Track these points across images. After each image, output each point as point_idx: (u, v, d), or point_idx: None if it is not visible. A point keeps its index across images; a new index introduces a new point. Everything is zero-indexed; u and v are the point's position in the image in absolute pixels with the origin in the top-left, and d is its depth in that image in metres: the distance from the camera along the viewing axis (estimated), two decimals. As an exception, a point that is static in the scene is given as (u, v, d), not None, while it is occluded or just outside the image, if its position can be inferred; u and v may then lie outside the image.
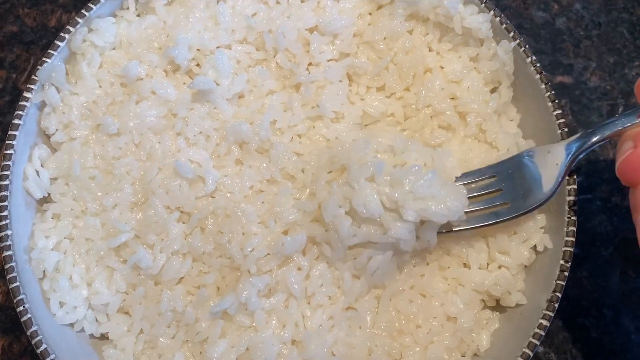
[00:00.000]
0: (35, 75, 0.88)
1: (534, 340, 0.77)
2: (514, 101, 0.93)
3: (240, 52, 0.93)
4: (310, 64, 0.93)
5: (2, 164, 0.84)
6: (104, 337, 0.85)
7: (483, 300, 0.86)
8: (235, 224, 0.83)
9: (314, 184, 0.85)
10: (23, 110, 0.87)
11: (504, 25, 0.91)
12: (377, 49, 0.93)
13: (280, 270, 0.82)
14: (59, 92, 0.89)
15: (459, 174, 0.85)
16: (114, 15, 0.95)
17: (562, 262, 0.80)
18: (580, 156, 0.79)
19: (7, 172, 0.84)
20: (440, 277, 0.85)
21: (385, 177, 0.79)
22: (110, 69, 0.92)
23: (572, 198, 0.82)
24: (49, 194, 0.88)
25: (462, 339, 0.83)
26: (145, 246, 0.84)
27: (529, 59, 0.89)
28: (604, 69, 1.10)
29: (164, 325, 0.83)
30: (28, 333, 0.78)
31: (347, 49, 0.94)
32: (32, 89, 0.88)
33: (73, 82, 0.91)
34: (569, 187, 0.83)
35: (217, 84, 0.90)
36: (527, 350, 0.77)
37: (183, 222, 0.86)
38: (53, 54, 0.90)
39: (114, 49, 0.94)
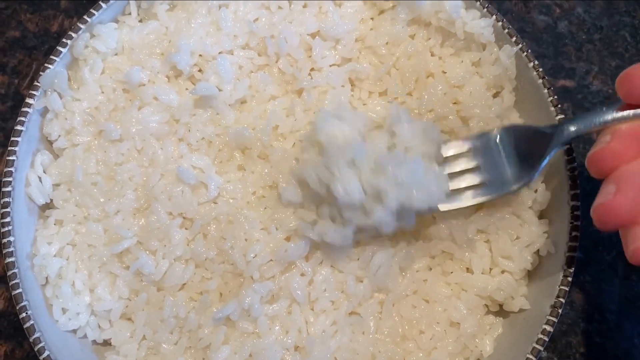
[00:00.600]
0: (37, 81, 0.88)
1: (537, 346, 0.77)
2: (517, 106, 0.93)
3: (243, 57, 0.93)
4: (312, 69, 0.93)
5: (4, 170, 0.84)
6: (106, 343, 0.85)
7: (486, 306, 0.86)
8: (238, 230, 0.83)
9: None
10: (25, 117, 0.87)
11: (506, 30, 0.90)
12: (379, 54, 0.93)
13: (284, 276, 0.82)
14: (61, 98, 0.89)
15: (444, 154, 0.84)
16: (116, 21, 0.95)
17: (565, 267, 0.80)
18: (570, 138, 0.77)
19: (10, 178, 0.84)
20: (443, 283, 0.85)
21: (366, 162, 0.78)
22: (112, 75, 0.92)
23: (574, 203, 0.82)
24: (51, 200, 0.88)
25: (466, 345, 0.83)
26: (147, 252, 0.84)
27: (532, 63, 0.89)
28: (606, 72, 1.09)
29: (167, 331, 0.82)
30: (31, 340, 0.78)
31: (349, 54, 0.94)
32: (35, 95, 0.88)
33: (75, 88, 0.91)
34: (571, 192, 0.83)
35: (220, 90, 0.90)
36: (530, 356, 0.77)
37: (185, 228, 0.86)
38: (55, 60, 0.90)
39: (116, 54, 0.94)
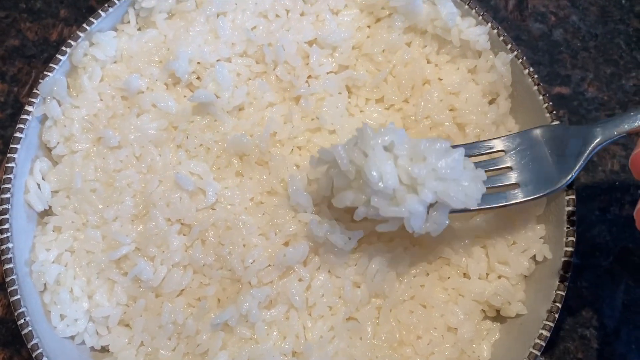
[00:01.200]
0: (36, 89, 0.89)
1: (534, 351, 0.78)
2: (512, 112, 0.94)
3: (240, 65, 0.94)
4: (309, 77, 0.94)
5: (4, 177, 0.85)
6: (104, 349, 0.85)
7: (483, 311, 0.86)
8: (236, 235, 0.83)
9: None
10: (24, 124, 0.88)
11: (502, 37, 0.91)
12: (376, 61, 0.94)
13: (281, 282, 0.83)
14: (60, 105, 0.90)
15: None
16: (115, 29, 0.97)
17: (561, 272, 0.81)
18: (606, 143, 0.75)
19: (9, 185, 0.85)
20: (440, 288, 0.85)
21: (405, 147, 0.73)
22: (111, 83, 0.93)
23: (570, 208, 0.83)
24: (50, 206, 0.88)
25: (463, 350, 0.83)
26: (146, 258, 0.85)
27: (527, 70, 0.90)
28: (601, 79, 1.10)
29: (165, 337, 0.83)
30: (29, 346, 0.78)
31: (346, 62, 0.95)
32: (34, 102, 0.89)
33: (74, 96, 0.92)
34: (567, 198, 0.83)
35: (218, 97, 0.91)
36: (527, 361, 0.77)
37: (184, 235, 0.86)
38: (54, 68, 0.91)
39: (115, 62, 0.95)
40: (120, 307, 0.85)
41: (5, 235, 0.82)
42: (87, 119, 0.91)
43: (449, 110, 0.91)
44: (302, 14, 0.97)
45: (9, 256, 0.82)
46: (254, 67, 0.95)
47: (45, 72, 0.90)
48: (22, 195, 0.87)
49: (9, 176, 0.85)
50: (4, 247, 0.82)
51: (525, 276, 0.86)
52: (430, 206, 0.75)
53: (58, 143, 0.90)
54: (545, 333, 0.78)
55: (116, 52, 0.94)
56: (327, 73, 0.94)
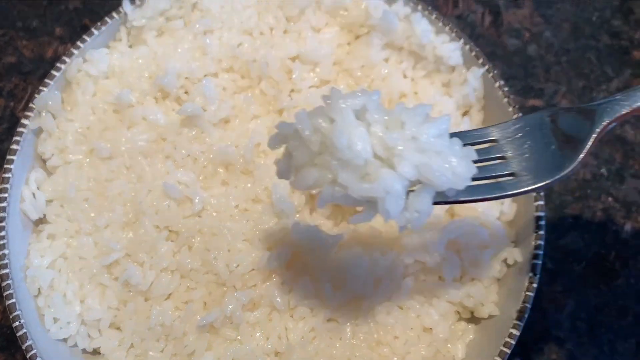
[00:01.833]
0: (32, 103, 0.93)
1: (504, 349, 0.80)
2: (485, 124, 0.97)
3: (227, 79, 0.98)
4: (292, 91, 0.98)
5: (1, 186, 0.88)
6: (96, 352, 0.87)
7: (458, 312, 0.89)
8: (222, 241, 0.86)
9: None
10: (21, 136, 0.91)
11: (474, 53, 0.96)
12: (355, 76, 0.98)
13: (265, 285, 0.85)
14: (54, 118, 0.93)
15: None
16: (108, 47, 1.00)
17: (530, 274, 0.84)
18: (612, 126, 0.67)
19: (5, 195, 0.87)
20: (416, 290, 0.88)
21: (380, 113, 0.62)
22: (103, 97, 0.96)
23: (539, 214, 0.86)
24: (44, 215, 0.91)
25: (438, 350, 0.86)
26: (135, 264, 0.87)
27: (497, 83, 0.94)
28: (574, 92, 1.14)
29: (154, 339, 0.85)
30: (23, 347, 0.80)
31: (327, 77, 0.99)
32: (30, 116, 0.92)
33: (68, 109, 0.96)
34: (536, 203, 0.87)
35: (205, 110, 0.94)
36: (498, 359, 0.80)
37: (172, 241, 0.89)
38: (49, 83, 0.94)
39: (107, 78, 0.99)
40: (111, 311, 0.87)
41: (1, 242, 0.85)
42: (80, 132, 0.94)
43: (425, 122, 0.94)
44: (285, 32, 1.01)
45: (4, 262, 0.84)
46: (240, 82, 0.98)
47: (40, 88, 0.94)
48: (18, 204, 0.89)
49: (5, 186, 0.87)
50: (0, 253, 0.84)
51: (498, 279, 0.90)
52: (411, 192, 0.64)
53: (52, 154, 0.93)
54: (515, 332, 0.81)
55: (108, 68, 0.98)
56: (309, 87, 0.98)
